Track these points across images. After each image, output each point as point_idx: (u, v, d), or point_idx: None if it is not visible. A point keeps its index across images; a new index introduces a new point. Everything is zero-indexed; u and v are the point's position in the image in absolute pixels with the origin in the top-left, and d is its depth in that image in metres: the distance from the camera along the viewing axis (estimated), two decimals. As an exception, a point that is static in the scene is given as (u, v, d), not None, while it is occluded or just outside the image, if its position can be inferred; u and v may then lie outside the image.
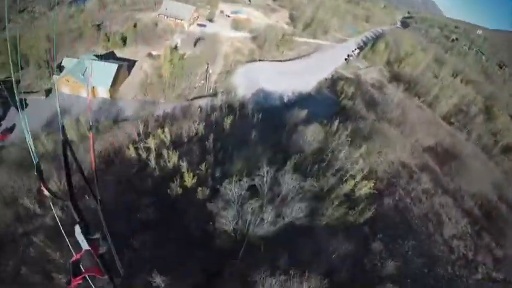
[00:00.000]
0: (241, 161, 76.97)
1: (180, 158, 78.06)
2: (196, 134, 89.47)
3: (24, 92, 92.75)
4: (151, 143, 79.12)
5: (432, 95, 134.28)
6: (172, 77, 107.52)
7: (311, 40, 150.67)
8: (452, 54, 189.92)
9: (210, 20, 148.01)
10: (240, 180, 64.70)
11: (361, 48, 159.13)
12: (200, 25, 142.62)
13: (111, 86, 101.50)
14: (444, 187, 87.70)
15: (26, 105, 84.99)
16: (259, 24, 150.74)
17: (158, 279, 55.03)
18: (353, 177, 74.24)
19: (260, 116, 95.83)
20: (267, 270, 55.75)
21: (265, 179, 64.46)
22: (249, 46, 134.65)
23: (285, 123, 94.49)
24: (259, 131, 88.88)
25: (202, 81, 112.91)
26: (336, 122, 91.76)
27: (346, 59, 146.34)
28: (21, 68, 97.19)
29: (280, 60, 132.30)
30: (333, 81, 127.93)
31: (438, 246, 71.36)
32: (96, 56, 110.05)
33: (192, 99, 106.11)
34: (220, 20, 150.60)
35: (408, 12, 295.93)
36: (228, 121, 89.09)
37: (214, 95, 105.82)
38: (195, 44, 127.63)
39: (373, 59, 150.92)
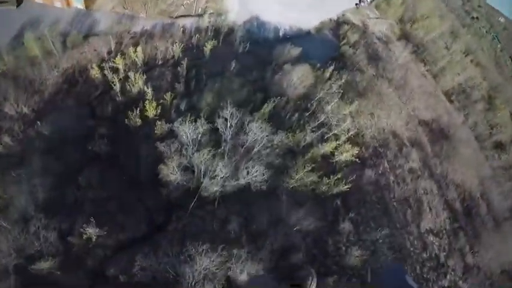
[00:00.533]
0: (212, 95, 61.21)
1: (146, 83, 62.67)
2: (173, 57, 74.94)
3: (-8, 2, 78.90)
4: (120, 63, 64.54)
5: (439, 66, 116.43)
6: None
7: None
8: (469, 31, 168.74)
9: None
10: (195, 120, 49.77)
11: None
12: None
13: None
14: (431, 170, 75.02)
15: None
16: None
17: (91, 230, 46.94)
18: (336, 137, 59.71)
19: (247, 46, 79.18)
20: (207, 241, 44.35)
21: (228, 123, 49.04)
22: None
23: (272, 60, 77.22)
24: (242, 63, 73.65)
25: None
26: (330, 69, 74.90)
27: (356, 4, 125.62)
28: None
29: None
30: (337, 24, 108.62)
31: (412, 239, 60.59)
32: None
33: (176, 18, 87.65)
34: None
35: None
36: (208, 46, 71.76)
37: (202, 15, 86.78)
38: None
39: (386, 11, 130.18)
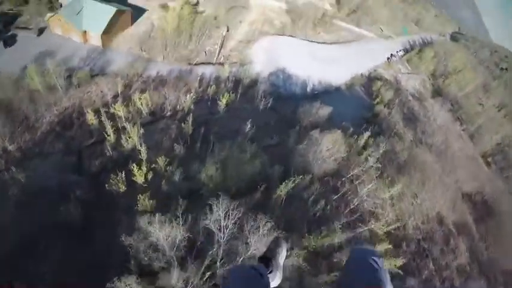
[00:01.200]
0: (216, 166, 46.75)
1: (144, 138, 49.93)
2: (183, 109, 60.99)
3: (18, 28, 74.77)
4: (120, 110, 51.85)
5: (476, 124, 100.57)
6: (177, 33, 76.52)
7: (354, 27, 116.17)
8: (500, 84, 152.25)
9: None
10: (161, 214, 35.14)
11: (406, 50, 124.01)
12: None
13: (104, 33, 73.99)
14: (480, 263, 57.17)
15: (15, 41, 71.54)
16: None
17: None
18: (371, 233, 43.33)
19: (270, 102, 65.57)
20: None
21: (222, 222, 33.87)
22: (282, 18, 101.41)
23: (298, 120, 63.64)
24: (260, 122, 60.26)
25: (216, 46, 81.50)
26: (366, 135, 60.61)
27: (388, 58, 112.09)
28: (26, 2, 77.77)
29: (314, 42, 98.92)
30: (369, 80, 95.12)
31: None
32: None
33: (195, 64, 75.76)
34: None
35: (459, 28, 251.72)
36: (224, 100, 58.91)
37: (223, 65, 74.76)
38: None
39: (418, 65, 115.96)
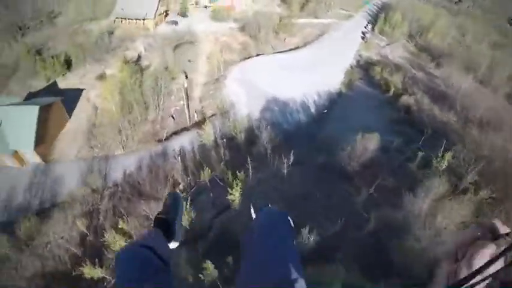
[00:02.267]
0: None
1: None
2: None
3: None
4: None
5: (483, 68, 79.26)
6: (127, 106, 52.25)
7: (314, 20, 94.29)
8: (463, 17, 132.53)
9: (183, 15, 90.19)
10: None
11: (372, 23, 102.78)
12: (171, 23, 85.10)
13: (39, 143, 47.54)
14: None
15: None
16: (246, 11, 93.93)
17: None
18: None
19: (290, 157, 41.19)
20: None
21: None
22: (239, 39, 77.95)
23: (346, 174, 40.42)
24: (299, 201, 34.87)
25: (182, 102, 57.36)
26: (419, 156, 38.06)
27: (363, 38, 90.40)
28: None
29: (285, 51, 75.85)
30: (364, 69, 72.41)
31: None
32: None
33: (165, 139, 50.90)
34: (197, 13, 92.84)
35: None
36: (236, 193, 34.08)
37: (201, 123, 50.53)
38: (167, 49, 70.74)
39: (392, 33, 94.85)
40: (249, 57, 69.18)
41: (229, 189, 33.68)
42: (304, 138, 48.63)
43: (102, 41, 70.77)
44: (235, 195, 33.06)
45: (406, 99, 56.53)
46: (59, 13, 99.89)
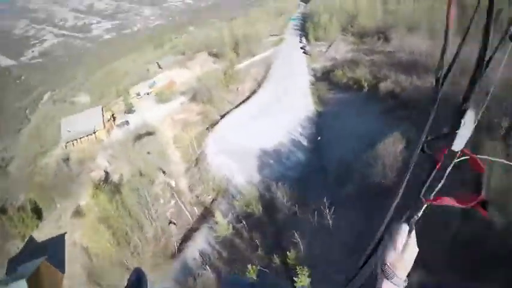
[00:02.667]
0: None
1: None
2: None
3: None
4: None
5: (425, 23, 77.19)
6: (116, 237, 44.52)
7: (253, 58, 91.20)
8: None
9: (130, 112, 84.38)
10: None
11: (304, 35, 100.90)
12: (122, 124, 78.92)
13: None
14: None
15: None
16: (187, 81, 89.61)
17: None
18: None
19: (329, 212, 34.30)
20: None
21: None
22: (195, 110, 72.78)
23: (372, 185, 33.96)
24: None
25: (179, 203, 49.88)
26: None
27: (305, 52, 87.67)
28: None
29: (245, 102, 70.72)
30: (325, 80, 67.91)
31: None
32: None
33: (178, 251, 43.14)
34: (142, 103, 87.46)
35: None
36: (304, 280, 26.42)
37: (206, 215, 43.40)
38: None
39: (326, 35, 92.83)
40: (215, 124, 63.21)
41: (293, 277, 26.36)
42: (316, 174, 42.57)
43: (61, 172, 63.07)
44: (304, 280, 25.63)
45: (384, 85, 52.01)
46: (10, 159, 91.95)
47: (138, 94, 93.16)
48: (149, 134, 68.30)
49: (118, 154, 64.35)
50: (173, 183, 51.87)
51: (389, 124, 43.67)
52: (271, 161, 48.79)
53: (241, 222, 39.75)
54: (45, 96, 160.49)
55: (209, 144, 56.36)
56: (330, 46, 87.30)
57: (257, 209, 39.89)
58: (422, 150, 1.52)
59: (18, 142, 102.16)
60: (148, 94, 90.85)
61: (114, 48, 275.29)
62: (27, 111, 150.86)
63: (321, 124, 54.81)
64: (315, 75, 71.69)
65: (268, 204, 41.07)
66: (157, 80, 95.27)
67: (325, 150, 48.49)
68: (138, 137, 67.07)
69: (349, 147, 44.37)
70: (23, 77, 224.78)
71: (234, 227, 39.42)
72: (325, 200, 33.40)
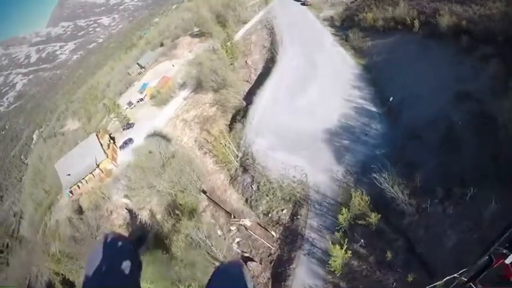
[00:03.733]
0: None
1: None
2: None
3: None
4: None
5: None
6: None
7: (249, 25, 72.74)
8: None
9: (129, 127, 66.63)
10: None
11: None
12: (125, 144, 61.29)
13: None
14: None
15: None
16: (182, 70, 71.64)
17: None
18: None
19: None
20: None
21: None
22: (205, 100, 55.86)
23: None
24: None
25: (236, 234, 34.27)
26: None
27: (303, 3, 69.56)
28: None
29: (271, 70, 53.42)
30: (360, 26, 50.95)
31: None
32: None
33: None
34: (139, 113, 69.77)
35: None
36: None
37: (291, 245, 28.15)
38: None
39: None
40: (243, 111, 46.33)
41: None
42: (414, 143, 27.52)
43: (78, 231, 46.03)
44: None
45: (446, 20, 35.16)
46: (21, 213, 75.47)
47: (130, 103, 75.23)
48: (166, 140, 51.66)
49: (136, 182, 47.44)
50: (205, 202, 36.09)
51: (475, 66, 28.70)
52: (347, 142, 33.09)
53: (355, 241, 24.79)
54: (34, 136, 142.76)
55: (251, 140, 39.91)
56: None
57: (372, 218, 24.73)
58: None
59: (23, 191, 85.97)
60: (142, 100, 72.99)
61: (86, 65, 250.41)
62: (22, 157, 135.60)
63: (379, 80, 38.77)
64: (332, 26, 54.46)
65: (379, 203, 26.00)
66: (147, 81, 77.06)
67: (405, 111, 32.95)
68: (151, 155, 50.09)
69: (436, 102, 29.40)
70: (7, 126, 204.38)
71: (349, 249, 24.43)
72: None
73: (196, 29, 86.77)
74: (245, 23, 73.66)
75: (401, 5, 42.37)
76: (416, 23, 39.38)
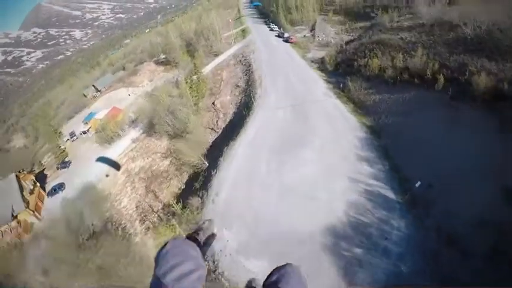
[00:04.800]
0: None
1: None
2: None
3: None
4: None
5: None
6: None
7: (220, 59, 59.94)
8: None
9: (64, 166, 49.39)
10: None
11: (271, 22, 71.03)
12: (54, 191, 44.30)
13: None
14: None
15: None
16: (135, 103, 56.43)
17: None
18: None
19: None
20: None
21: None
22: (157, 147, 40.92)
23: None
24: None
25: None
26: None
27: (285, 40, 58.32)
28: None
29: (246, 121, 39.95)
30: (362, 75, 39.86)
31: None
32: None
33: None
34: (79, 148, 52.77)
35: None
36: None
37: None
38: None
39: (302, 17, 64.40)
40: (206, 179, 31.94)
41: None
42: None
43: None
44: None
45: (479, 79, 24.64)
46: None
47: (73, 134, 58.07)
48: (102, 198, 35.87)
49: (57, 248, 30.73)
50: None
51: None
52: (359, 252, 19.75)
53: None
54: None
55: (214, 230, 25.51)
56: (312, 30, 59.22)
57: None
58: None
59: None
60: (85, 133, 56.10)
61: (49, 77, 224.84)
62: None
63: (393, 150, 26.66)
64: (323, 70, 42.98)
65: None
66: (95, 110, 60.50)
67: (437, 203, 20.75)
68: (79, 214, 33.90)
69: (482, 194, 18.03)
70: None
71: None
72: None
73: (163, 56, 72.47)
74: (217, 55, 60.75)
75: (418, 53, 31.31)
76: (441, 78, 28.29)
